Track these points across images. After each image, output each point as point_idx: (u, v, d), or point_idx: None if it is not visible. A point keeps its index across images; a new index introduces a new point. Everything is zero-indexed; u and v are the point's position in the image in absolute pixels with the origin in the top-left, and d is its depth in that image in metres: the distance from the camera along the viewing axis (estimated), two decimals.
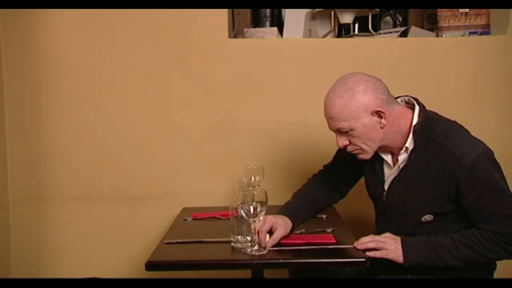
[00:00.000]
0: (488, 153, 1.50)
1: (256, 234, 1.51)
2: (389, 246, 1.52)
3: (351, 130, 1.52)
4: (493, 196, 1.47)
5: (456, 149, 1.48)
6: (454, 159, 1.48)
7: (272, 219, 1.56)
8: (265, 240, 1.52)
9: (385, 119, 1.51)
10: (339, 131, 1.55)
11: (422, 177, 1.54)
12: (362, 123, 1.51)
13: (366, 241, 1.54)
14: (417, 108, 1.56)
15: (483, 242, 1.47)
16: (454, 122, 1.59)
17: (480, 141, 1.54)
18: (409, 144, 1.54)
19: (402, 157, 1.58)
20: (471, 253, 1.49)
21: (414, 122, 1.54)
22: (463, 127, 1.59)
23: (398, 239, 1.54)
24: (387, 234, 1.56)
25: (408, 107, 1.60)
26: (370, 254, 1.51)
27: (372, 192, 1.73)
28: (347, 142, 1.56)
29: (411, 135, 1.54)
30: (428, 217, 1.55)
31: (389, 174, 1.64)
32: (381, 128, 1.52)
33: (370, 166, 1.69)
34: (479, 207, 1.48)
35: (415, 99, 1.60)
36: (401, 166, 1.59)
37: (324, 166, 1.90)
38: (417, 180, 1.55)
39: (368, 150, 1.56)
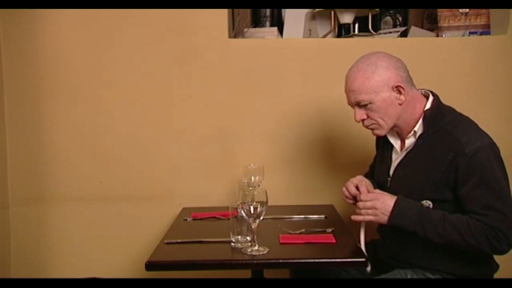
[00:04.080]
0: (493, 147, 1.51)
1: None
2: (378, 213, 1.56)
3: (370, 103, 1.56)
4: (489, 189, 1.47)
5: (462, 136, 1.50)
6: (458, 146, 1.49)
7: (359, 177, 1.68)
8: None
9: (404, 95, 1.56)
10: (358, 104, 1.59)
11: (425, 162, 1.56)
12: (382, 97, 1.55)
13: (363, 215, 1.59)
14: (431, 97, 1.61)
15: (472, 230, 1.47)
16: (467, 116, 1.62)
17: (488, 135, 1.55)
18: (418, 128, 1.59)
19: (409, 141, 1.61)
20: (455, 235, 1.48)
21: (427, 108, 1.59)
22: (474, 121, 1.60)
23: (393, 199, 1.55)
24: (379, 195, 1.58)
25: (424, 96, 1.64)
26: (356, 218, 1.60)
27: (378, 180, 1.75)
28: (365, 116, 1.60)
29: (421, 120, 1.58)
30: (426, 203, 1.56)
31: (395, 158, 1.67)
32: (399, 104, 1.57)
33: (381, 154, 1.75)
34: (473, 197, 1.48)
35: (431, 91, 1.65)
36: (407, 150, 1.62)
37: (370, 167, 1.94)
38: (419, 164, 1.58)
39: (384, 125, 1.60)
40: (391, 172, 1.67)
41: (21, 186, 2.30)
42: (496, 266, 1.64)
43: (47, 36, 2.24)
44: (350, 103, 1.63)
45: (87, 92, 2.27)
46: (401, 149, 1.66)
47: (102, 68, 2.27)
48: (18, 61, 2.25)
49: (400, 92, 1.56)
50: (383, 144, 1.75)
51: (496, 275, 1.65)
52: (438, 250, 1.55)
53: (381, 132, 1.62)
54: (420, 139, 1.58)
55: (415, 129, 1.59)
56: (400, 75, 1.56)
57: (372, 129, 1.63)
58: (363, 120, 1.61)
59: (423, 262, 1.58)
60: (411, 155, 1.61)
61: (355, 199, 1.66)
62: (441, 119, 1.56)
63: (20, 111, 2.27)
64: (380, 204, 1.55)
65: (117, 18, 2.23)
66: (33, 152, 2.28)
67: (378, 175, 1.76)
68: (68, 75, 2.26)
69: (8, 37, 2.23)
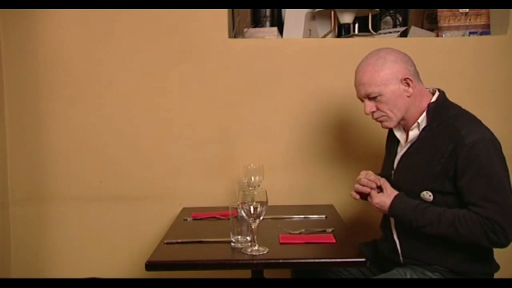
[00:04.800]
0: (493, 141, 1.52)
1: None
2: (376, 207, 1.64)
3: (380, 95, 1.60)
4: (488, 181, 1.48)
5: (463, 128, 1.53)
6: (458, 137, 1.51)
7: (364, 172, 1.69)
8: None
9: (412, 88, 1.60)
10: (368, 97, 1.63)
11: (427, 154, 1.58)
12: (391, 89, 1.59)
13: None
14: (437, 92, 1.65)
15: (469, 224, 1.48)
16: (472, 113, 1.63)
17: (490, 130, 1.56)
18: (422, 120, 1.62)
19: (413, 133, 1.64)
20: (450, 231, 1.50)
21: (431, 101, 1.62)
22: (477, 118, 1.61)
23: (391, 197, 1.60)
24: (381, 197, 1.62)
25: (431, 93, 1.68)
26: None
27: (384, 174, 1.75)
28: (375, 109, 1.64)
29: (424, 113, 1.61)
30: (427, 194, 1.57)
31: (399, 151, 1.70)
32: (408, 97, 1.61)
33: (388, 150, 1.79)
34: (472, 189, 1.49)
35: (437, 89, 1.67)
36: (410, 142, 1.65)
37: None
38: (421, 156, 1.60)
39: (393, 117, 1.63)
40: (395, 165, 1.69)
41: (21, 186, 2.29)
42: (496, 266, 1.64)
43: (47, 36, 2.24)
44: (359, 96, 1.67)
45: (86, 92, 2.27)
46: (405, 142, 1.68)
47: (102, 68, 2.27)
48: (18, 61, 2.24)
49: (408, 85, 1.60)
50: (391, 141, 1.78)
51: (497, 275, 1.64)
52: (439, 245, 1.56)
53: (390, 124, 1.66)
54: (423, 131, 1.61)
55: (419, 121, 1.62)
56: (408, 68, 1.61)
57: (381, 122, 1.67)
58: (372, 113, 1.65)
59: (424, 256, 1.59)
60: (413, 147, 1.64)
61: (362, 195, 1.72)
62: (445, 114, 1.59)
63: (20, 111, 2.27)
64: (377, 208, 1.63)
65: (117, 18, 2.23)
66: (33, 152, 2.28)
67: (383, 170, 1.78)
68: (68, 75, 2.26)
69: (8, 37, 2.23)
